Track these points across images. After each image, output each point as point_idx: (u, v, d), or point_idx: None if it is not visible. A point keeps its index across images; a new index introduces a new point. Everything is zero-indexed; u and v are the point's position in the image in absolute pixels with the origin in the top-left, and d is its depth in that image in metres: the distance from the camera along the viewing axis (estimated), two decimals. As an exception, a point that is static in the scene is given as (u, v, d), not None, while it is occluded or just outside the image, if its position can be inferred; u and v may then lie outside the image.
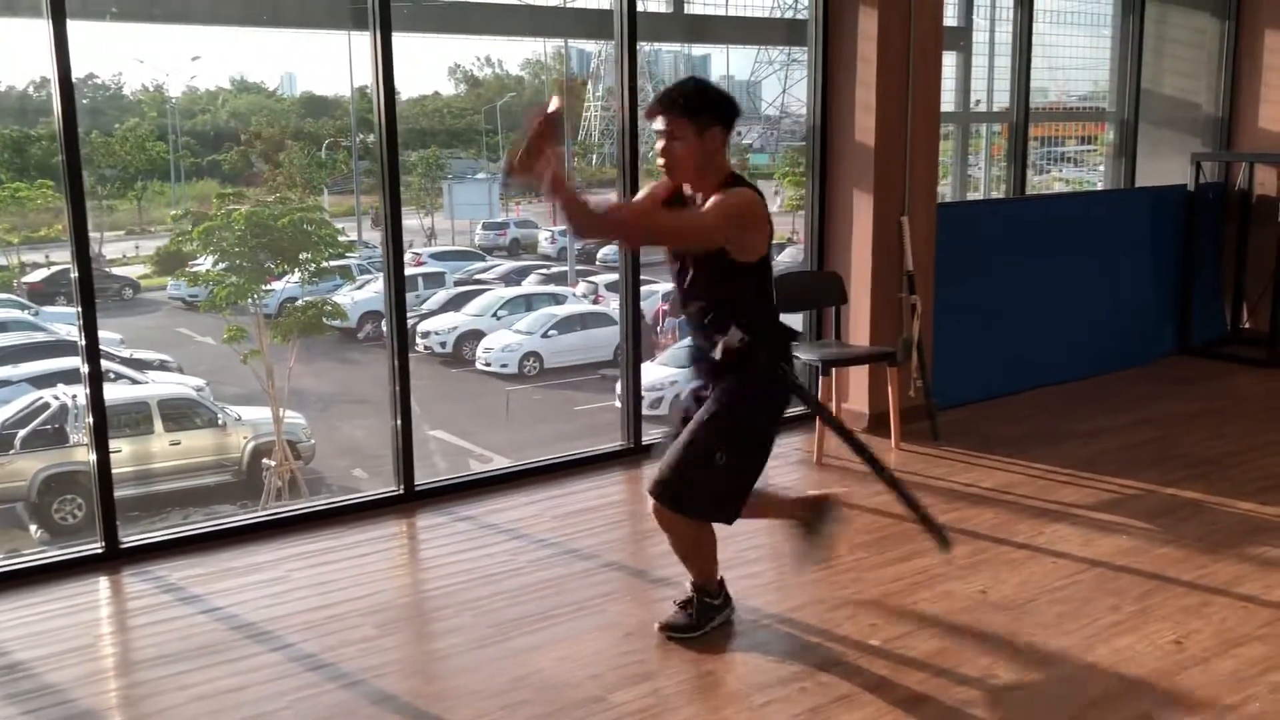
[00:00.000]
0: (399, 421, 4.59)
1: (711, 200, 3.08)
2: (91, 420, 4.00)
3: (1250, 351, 7.00)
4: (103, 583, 3.89)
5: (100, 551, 4.00)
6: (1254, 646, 3.30)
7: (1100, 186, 8.11)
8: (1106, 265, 6.73)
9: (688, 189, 3.20)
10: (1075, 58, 7.55)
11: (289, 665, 3.27)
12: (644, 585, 3.86)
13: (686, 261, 3.19)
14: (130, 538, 4.10)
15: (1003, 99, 6.93)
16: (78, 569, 3.95)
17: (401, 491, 4.59)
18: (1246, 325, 7.36)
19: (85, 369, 3.96)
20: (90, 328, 3.91)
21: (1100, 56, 7.52)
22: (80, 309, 3.90)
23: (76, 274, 3.89)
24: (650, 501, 3.27)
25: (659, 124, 3.12)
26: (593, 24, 5.60)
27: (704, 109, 3.10)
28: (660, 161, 3.15)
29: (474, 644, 3.39)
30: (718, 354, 3.16)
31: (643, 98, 4.97)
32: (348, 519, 4.44)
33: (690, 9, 6.24)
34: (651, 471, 3.29)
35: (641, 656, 3.33)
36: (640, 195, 3.39)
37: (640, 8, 4.99)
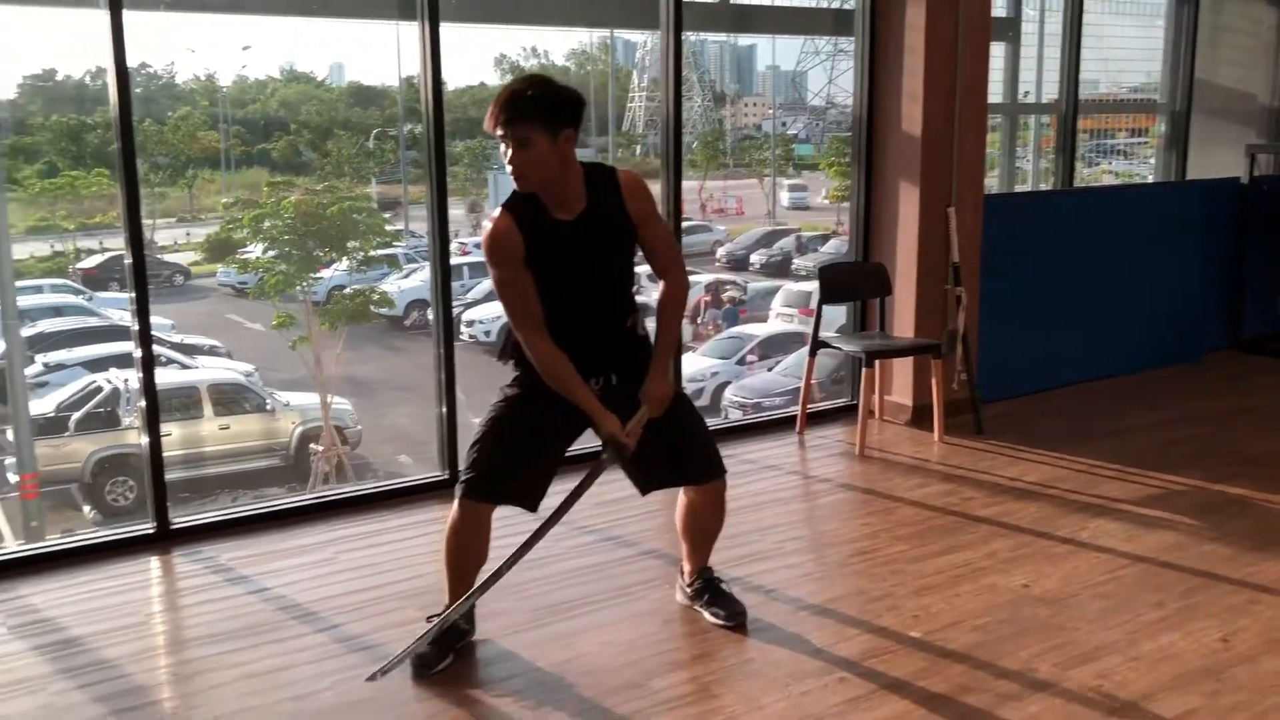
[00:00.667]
0: (444, 408, 4.64)
1: (649, 197, 3.11)
2: (144, 404, 4.08)
3: (1304, 347, 6.89)
4: (154, 562, 3.97)
5: (152, 532, 4.09)
6: (1301, 645, 3.26)
7: (1151, 179, 8.00)
8: (1155, 259, 6.64)
9: (547, 201, 2.98)
10: (1127, 48, 7.45)
11: (334, 646, 3.32)
12: (684, 573, 3.88)
13: (600, 269, 3.11)
14: (181, 519, 4.18)
15: (1052, 90, 6.86)
16: (130, 549, 4.04)
17: (446, 476, 4.64)
18: (1300, 320, 7.24)
19: (138, 353, 4.05)
20: (143, 313, 3.99)
21: (1153, 47, 7.41)
22: (134, 294, 3.98)
23: (130, 260, 3.97)
24: (713, 486, 3.32)
25: (502, 132, 2.90)
26: (639, 14, 5.60)
27: (552, 111, 2.89)
28: (512, 172, 2.91)
29: (515, 628, 3.43)
30: (640, 331, 3.23)
31: (687, 88, 4.98)
32: (393, 503, 4.51)
33: (736, -1, 6.24)
34: (696, 463, 3.28)
35: (680, 643, 3.36)
36: (532, 311, 3.02)
37: (686, -2, 5.00)
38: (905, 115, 5.34)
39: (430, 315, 4.80)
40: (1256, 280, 7.14)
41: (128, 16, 3.82)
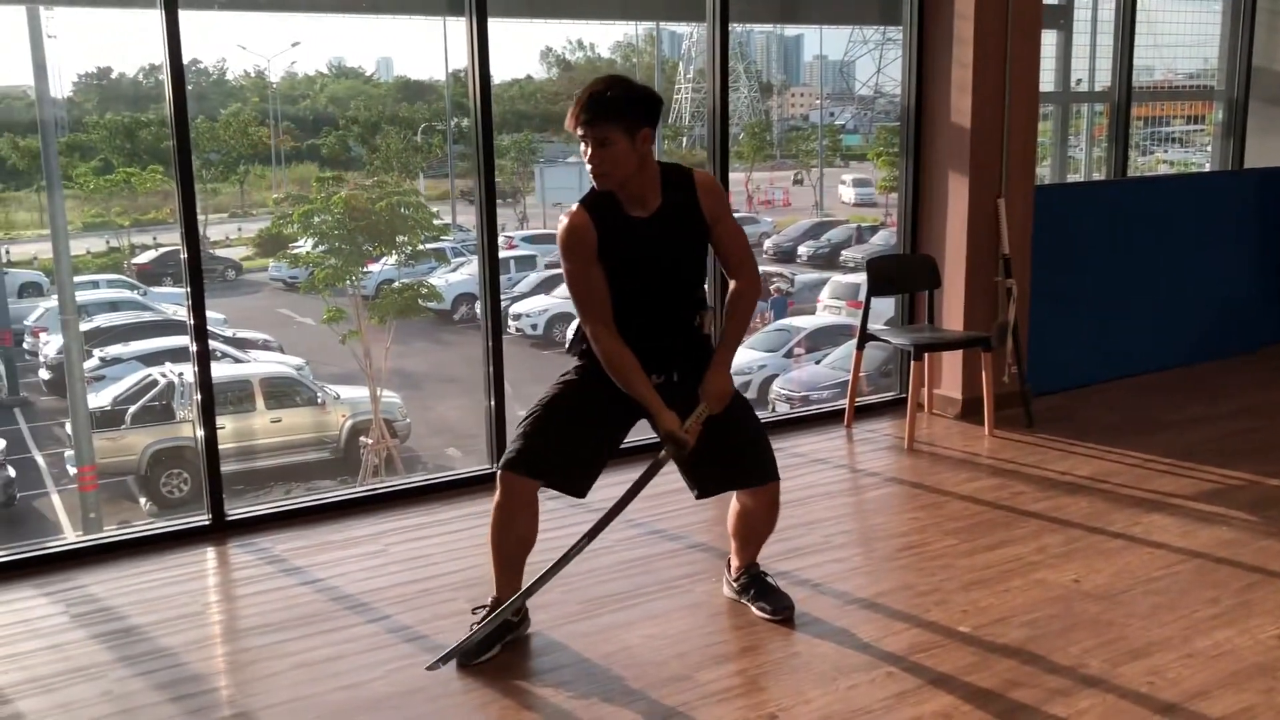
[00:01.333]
0: (493, 401, 4.68)
1: (725, 198, 3.23)
2: (200, 397, 4.15)
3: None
4: (210, 553, 4.05)
5: (208, 523, 4.16)
6: (1361, 643, 3.21)
7: (1207, 168, 7.86)
8: (1210, 249, 6.53)
9: (623, 198, 3.06)
10: (1183, 34, 7.32)
11: (385, 636, 3.37)
12: (731, 567, 3.88)
13: (667, 267, 3.16)
14: (235, 511, 4.25)
15: (1105, 78, 6.76)
16: (186, 540, 4.12)
17: (495, 469, 4.67)
18: (1361, 312, 7.09)
19: (194, 348, 4.12)
20: (199, 307, 4.06)
21: (1209, 33, 7.28)
22: (189, 289, 4.05)
23: (185, 255, 4.03)
24: (766, 490, 3.34)
25: (583, 131, 2.97)
26: (685, 5, 5.59)
27: (631, 110, 2.96)
28: (591, 170, 3.00)
29: (563, 620, 3.45)
30: (706, 329, 3.29)
31: (733, 80, 4.97)
32: (443, 495, 4.55)
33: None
34: (750, 467, 3.29)
35: (727, 637, 3.37)
36: (601, 307, 3.11)
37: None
38: (954, 106, 5.29)
39: (478, 309, 4.84)
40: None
41: (182, 15, 3.88)
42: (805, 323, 15.24)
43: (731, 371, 3.23)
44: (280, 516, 4.30)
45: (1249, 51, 6.96)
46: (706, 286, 3.38)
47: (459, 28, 4.42)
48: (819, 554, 3.92)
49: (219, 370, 12.82)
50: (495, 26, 4.43)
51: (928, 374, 5.44)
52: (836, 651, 3.23)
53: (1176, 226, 6.30)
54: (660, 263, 3.13)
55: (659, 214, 3.09)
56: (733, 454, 3.26)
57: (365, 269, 13.52)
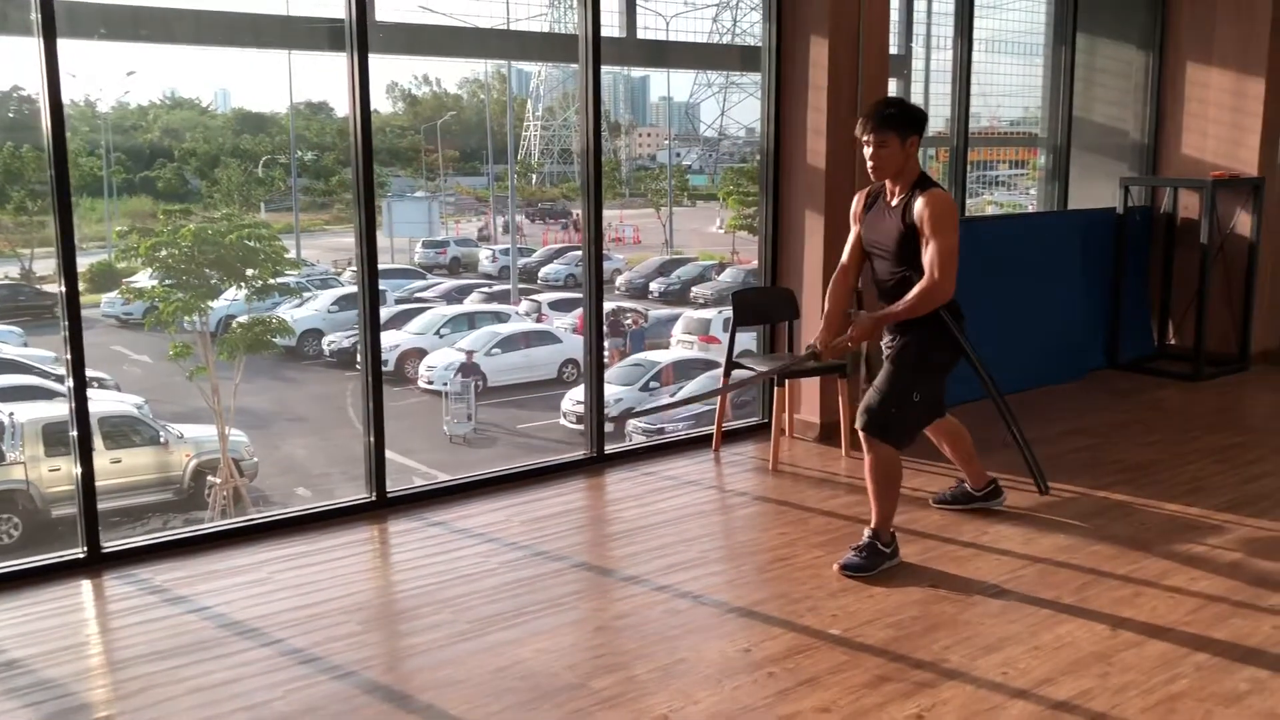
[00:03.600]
0: (371, 428, 4.73)
1: (932, 217, 3.91)
2: (76, 433, 4.09)
3: (1175, 366, 7.38)
4: (86, 586, 3.98)
5: (82, 556, 4.09)
6: (1180, 632, 3.58)
7: (1031, 209, 8.47)
8: (1041, 284, 7.05)
9: (888, 185, 4.06)
10: (1007, 84, 7.91)
11: (279, 659, 3.40)
12: (612, 583, 4.04)
13: (883, 245, 4.11)
14: (112, 543, 4.19)
15: (937, 124, 7.25)
16: (60, 573, 4.04)
17: (374, 498, 4.74)
18: (1172, 341, 7.75)
19: (70, 382, 4.07)
20: (76, 342, 4.01)
21: (1032, 84, 7.88)
22: (66, 324, 4.00)
23: (63, 289, 3.99)
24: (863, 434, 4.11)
25: (869, 136, 3.94)
26: (559, 47, 5.80)
27: (906, 122, 3.94)
28: (870, 165, 3.98)
29: (455, 638, 3.55)
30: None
31: (583, 119, 5.19)
32: (322, 525, 4.57)
33: (640, 34, 6.47)
34: (863, 408, 4.13)
35: (614, 648, 3.52)
36: (847, 251, 4.33)
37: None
38: (810, 148, 5.63)
39: (325, 345, 4.90)
40: (1131, 304, 7.63)
41: (10, 41, 3.84)
42: (660, 357, 15.60)
43: (884, 334, 4.21)
44: (159, 548, 4.25)
45: (1070, 102, 7.57)
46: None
47: (302, 61, 4.49)
48: (697, 568, 4.12)
49: (52, 409, 12.30)
50: (336, 60, 4.50)
51: (789, 399, 5.73)
52: (720, 656, 3.43)
53: (1010, 264, 6.79)
54: (882, 239, 4.10)
55: (897, 205, 4.03)
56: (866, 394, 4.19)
57: (215, 303, 13.23)
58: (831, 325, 4.21)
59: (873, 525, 4.13)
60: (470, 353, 16.36)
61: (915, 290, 3.97)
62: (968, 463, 4.69)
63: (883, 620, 3.67)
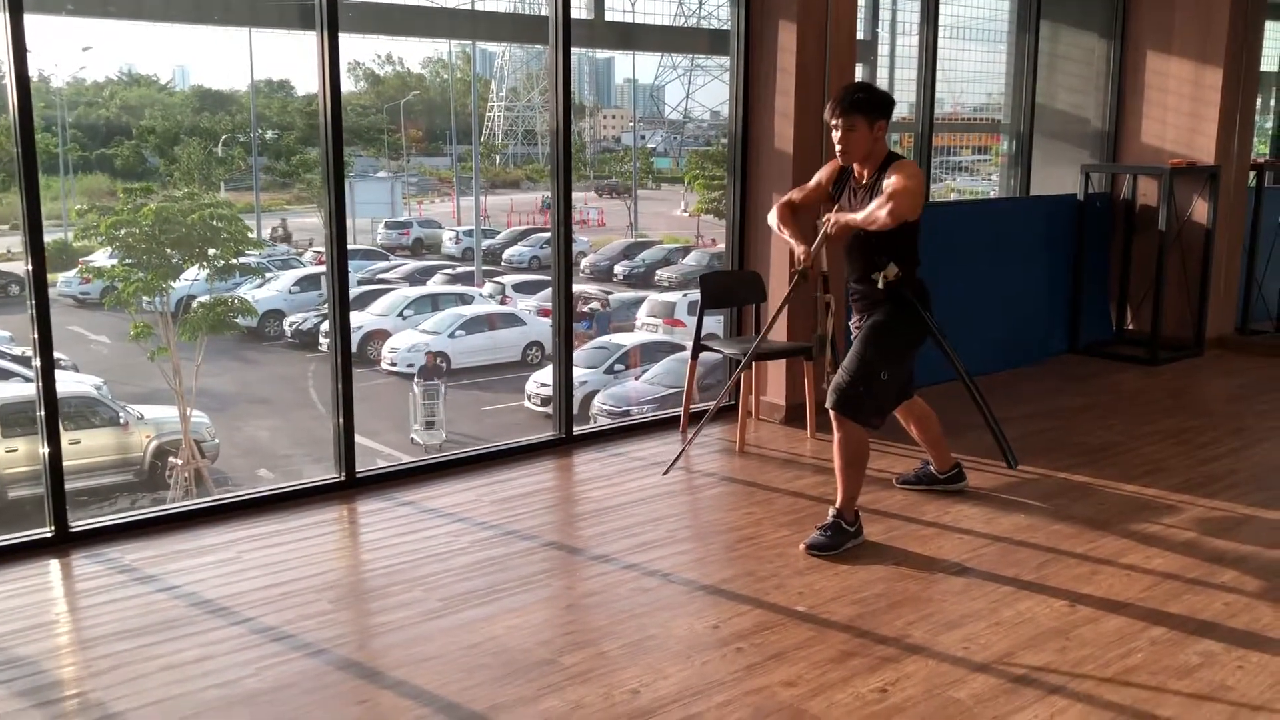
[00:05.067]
0: (340, 409, 4.74)
1: (901, 172, 3.98)
2: (43, 413, 4.08)
3: (1134, 351, 7.52)
4: (54, 565, 3.97)
5: (50, 536, 4.08)
6: (1136, 608, 3.67)
7: (993, 195, 8.57)
8: (1002, 270, 7.16)
9: (856, 168, 4.20)
10: (971, 71, 7.99)
11: (251, 637, 3.42)
12: (582, 562, 4.09)
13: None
14: (80, 523, 4.18)
15: (902, 109, 7.32)
16: (27, 553, 4.03)
17: (343, 478, 4.75)
18: (1130, 326, 7.90)
19: (37, 363, 4.04)
20: (43, 321, 4.00)
21: (996, 71, 7.97)
22: (33, 303, 3.98)
23: (30, 267, 3.97)
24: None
25: (837, 120, 4.06)
26: (528, 29, 5.80)
27: (874, 107, 4.05)
28: (839, 149, 4.11)
29: (427, 615, 3.58)
30: (881, 283, 4.17)
31: (546, 99, 5.20)
32: (291, 504, 4.58)
33: (609, 15, 6.48)
34: (831, 385, 4.23)
35: (585, 625, 3.57)
36: (813, 182, 4.51)
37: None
38: (778, 132, 5.68)
39: (286, 326, 4.90)
40: (1092, 289, 7.76)
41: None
42: (625, 340, 15.64)
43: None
44: (127, 527, 4.25)
45: (1033, 90, 7.67)
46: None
47: (263, 38, 4.48)
48: (666, 547, 4.17)
49: (10, 390, 12.15)
50: (304, 39, 4.50)
51: (755, 382, 5.79)
52: (689, 632, 3.48)
53: (973, 249, 6.88)
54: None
55: (866, 185, 4.17)
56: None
57: (176, 282, 13.10)
58: (803, 238, 4.37)
59: (838, 504, 4.19)
60: (435, 354, 16.23)
61: (881, 202, 3.99)
62: (934, 446, 4.76)
63: (848, 597, 3.74)
